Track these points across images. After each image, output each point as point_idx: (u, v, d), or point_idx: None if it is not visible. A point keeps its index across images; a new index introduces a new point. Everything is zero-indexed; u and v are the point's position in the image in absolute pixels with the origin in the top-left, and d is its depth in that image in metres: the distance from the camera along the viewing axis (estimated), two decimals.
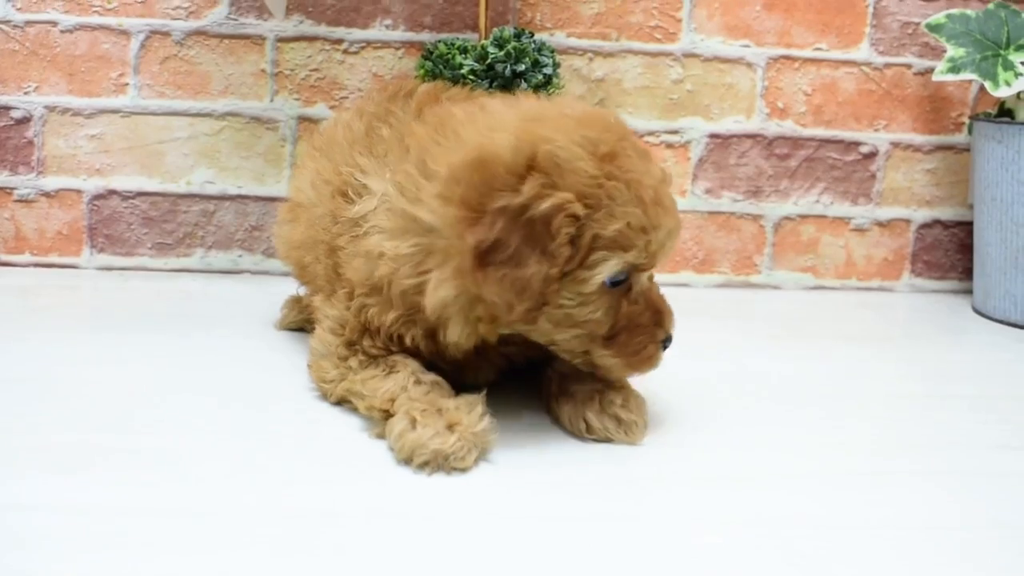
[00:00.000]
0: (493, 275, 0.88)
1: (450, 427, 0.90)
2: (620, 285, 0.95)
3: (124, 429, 0.97)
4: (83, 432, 0.96)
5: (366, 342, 1.03)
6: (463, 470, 0.90)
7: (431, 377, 0.99)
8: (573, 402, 1.01)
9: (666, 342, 1.00)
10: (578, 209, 0.89)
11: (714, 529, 0.83)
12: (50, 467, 0.88)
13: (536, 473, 0.91)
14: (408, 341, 1.01)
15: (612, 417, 1.00)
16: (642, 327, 0.98)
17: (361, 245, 1.01)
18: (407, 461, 0.90)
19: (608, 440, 0.99)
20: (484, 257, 0.88)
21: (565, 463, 0.95)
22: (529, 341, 1.00)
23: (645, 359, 0.99)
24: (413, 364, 1.01)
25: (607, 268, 0.92)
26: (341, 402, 1.04)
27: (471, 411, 0.93)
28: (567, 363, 1.02)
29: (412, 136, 1.00)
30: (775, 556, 0.78)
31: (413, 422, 0.91)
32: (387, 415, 0.95)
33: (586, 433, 1.00)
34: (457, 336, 0.97)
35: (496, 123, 0.94)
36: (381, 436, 0.96)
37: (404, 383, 0.97)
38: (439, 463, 0.89)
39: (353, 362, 1.03)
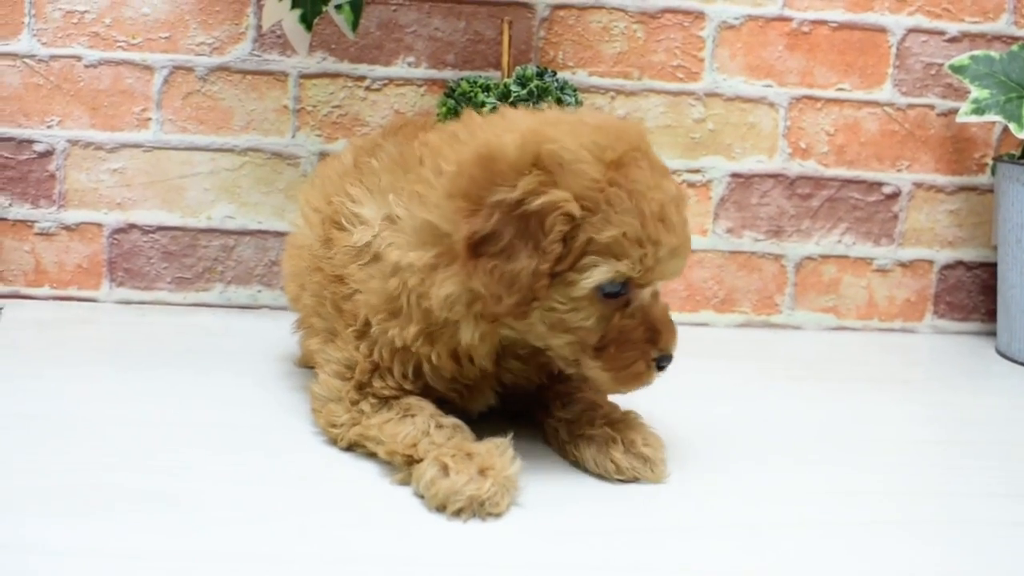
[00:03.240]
0: (483, 266, 0.89)
1: (482, 472, 0.89)
2: (616, 297, 0.94)
3: (140, 469, 0.96)
4: (98, 472, 0.95)
5: (377, 383, 1.01)
6: (497, 515, 0.88)
7: (451, 420, 0.98)
8: (595, 445, 1.01)
9: (661, 361, 0.98)
10: (574, 209, 0.90)
11: None
12: (64, 509, 0.86)
13: (567, 517, 0.90)
14: (432, 361, 1.00)
15: (638, 456, 1.00)
16: (633, 343, 0.96)
17: (375, 268, 1.00)
18: (440, 508, 0.88)
19: (635, 479, 0.99)
20: (477, 248, 0.89)
21: (592, 503, 0.94)
22: (530, 360, 1.03)
23: (633, 375, 0.97)
24: (430, 407, 1.00)
25: (597, 274, 0.91)
26: (352, 447, 1.03)
27: (502, 455, 0.92)
28: (570, 409, 1.03)
29: (426, 146, 1.01)
30: None
31: (445, 468, 0.89)
32: (410, 460, 0.94)
33: (615, 474, 0.99)
34: (470, 337, 0.96)
35: (511, 126, 0.96)
36: (404, 482, 0.94)
37: (425, 427, 0.96)
38: (474, 509, 0.88)
39: (365, 406, 1.02)
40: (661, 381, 1.25)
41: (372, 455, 1.00)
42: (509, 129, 0.95)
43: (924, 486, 1.05)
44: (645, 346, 0.96)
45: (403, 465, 0.95)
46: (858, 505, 0.98)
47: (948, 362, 1.60)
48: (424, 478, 0.90)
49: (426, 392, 1.03)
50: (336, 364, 1.05)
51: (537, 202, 0.89)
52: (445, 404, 1.04)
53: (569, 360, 0.98)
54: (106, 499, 0.89)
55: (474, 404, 1.07)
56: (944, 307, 1.76)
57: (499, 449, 0.93)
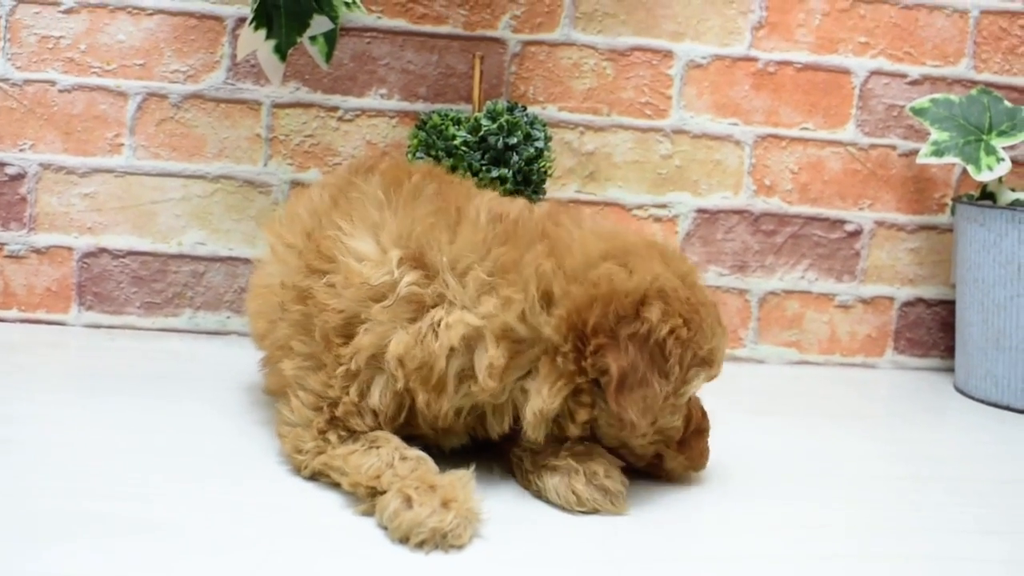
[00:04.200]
0: (631, 398, 0.97)
1: (445, 504, 0.90)
2: None
3: (107, 495, 0.97)
4: (65, 498, 0.95)
5: (354, 420, 1.03)
6: (460, 547, 0.90)
7: (415, 453, 1.00)
8: (558, 475, 1.03)
9: None
10: (685, 332, 1.00)
11: None
12: (28, 535, 0.87)
13: (528, 549, 0.92)
14: (437, 419, 1.03)
15: (599, 488, 1.01)
16: (702, 430, 1.11)
17: (412, 327, 1.01)
18: (403, 540, 0.90)
19: (595, 511, 1.01)
20: (623, 381, 0.97)
21: (553, 534, 0.96)
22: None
23: (705, 455, 1.12)
24: (395, 439, 1.02)
25: (698, 382, 1.04)
26: (315, 476, 1.04)
27: (464, 487, 0.94)
28: (534, 439, 1.04)
29: (534, 262, 1.02)
30: None
31: (408, 500, 0.91)
32: (373, 492, 0.95)
33: (576, 506, 1.01)
34: (535, 434, 1.02)
35: (595, 251, 1.04)
36: (367, 513, 0.95)
37: (389, 459, 0.98)
38: (437, 541, 0.89)
39: (332, 436, 1.03)
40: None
41: (336, 485, 1.01)
42: (593, 253, 1.03)
43: (884, 521, 1.08)
44: (704, 426, 1.11)
45: (366, 497, 0.96)
46: (818, 539, 1.01)
47: (907, 398, 1.63)
48: (388, 510, 0.91)
49: (400, 430, 1.05)
50: (312, 395, 1.05)
51: (663, 331, 0.98)
52: (414, 440, 1.05)
53: (647, 456, 1.08)
54: (69, 525, 0.89)
55: (448, 442, 1.09)
56: (904, 343, 1.79)
57: (462, 481, 0.95)
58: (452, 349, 1.00)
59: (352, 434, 1.03)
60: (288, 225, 1.17)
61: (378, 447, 1.00)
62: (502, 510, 0.99)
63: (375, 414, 1.03)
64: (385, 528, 0.92)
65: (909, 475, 1.24)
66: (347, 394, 1.02)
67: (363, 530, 0.93)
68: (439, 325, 1.01)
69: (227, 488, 1.02)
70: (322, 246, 1.07)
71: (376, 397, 1.02)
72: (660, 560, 0.92)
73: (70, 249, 1.63)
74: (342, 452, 1.01)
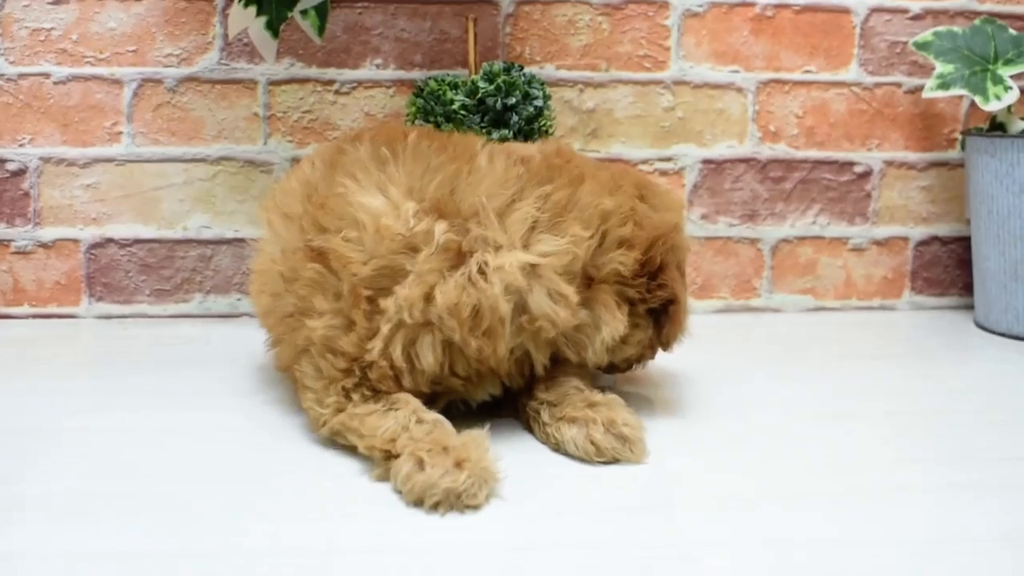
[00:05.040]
0: (686, 320, 1.15)
1: (458, 464, 0.90)
2: None
3: (125, 475, 0.97)
4: (84, 479, 0.95)
5: (387, 384, 1.02)
6: (476, 508, 0.89)
7: (432, 416, 0.99)
8: (576, 426, 1.02)
9: None
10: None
11: (726, 552, 0.82)
12: (52, 515, 0.87)
13: (548, 506, 0.91)
14: (489, 362, 1.04)
15: (619, 437, 1.01)
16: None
17: (456, 274, 1.00)
18: (418, 503, 0.89)
19: (615, 460, 1.01)
20: (685, 307, 1.14)
21: (573, 490, 0.95)
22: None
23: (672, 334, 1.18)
24: (414, 402, 1.01)
25: None
26: (333, 435, 1.03)
27: (478, 447, 0.93)
28: (553, 391, 1.07)
29: (592, 201, 1.07)
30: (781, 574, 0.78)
31: (420, 463, 0.90)
32: (388, 455, 0.94)
33: (595, 456, 1.00)
34: (598, 359, 1.10)
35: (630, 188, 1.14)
36: (383, 478, 0.94)
37: (405, 422, 0.97)
38: (451, 502, 0.88)
39: (356, 395, 1.02)
40: (645, 373, 1.27)
41: (352, 449, 1.00)
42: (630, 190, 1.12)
43: (912, 455, 1.06)
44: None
45: (382, 461, 0.95)
46: (845, 475, 0.99)
47: (928, 337, 1.61)
48: (401, 473, 0.91)
49: (434, 386, 1.05)
50: (343, 357, 1.02)
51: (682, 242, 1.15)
52: (439, 397, 1.06)
53: (634, 357, 1.17)
54: (91, 504, 0.89)
55: (478, 393, 1.09)
56: (921, 283, 1.77)
57: (475, 441, 0.94)
58: (508, 289, 1.00)
59: (376, 394, 1.02)
60: (283, 199, 1.15)
61: (396, 409, 0.99)
62: (519, 468, 0.98)
63: (422, 374, 1.02)
64: (399, 492, 0.91)
65: (936, 409, 1.22)
66: (387, 358, 1.01)
67: (379, 495, 0.92)
68: (487, 268, 1.00)
69: (240, 458, 1.01)
70: (329, 204, 1.05)
71: (427, 356, 1.01)
72: (683, 507, 0.91)
73: (76, 241, 1.62)
74: (361, 412, 1.00)
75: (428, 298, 1.00)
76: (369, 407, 1.00)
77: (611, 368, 1.19)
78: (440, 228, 1.01)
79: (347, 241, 1.02)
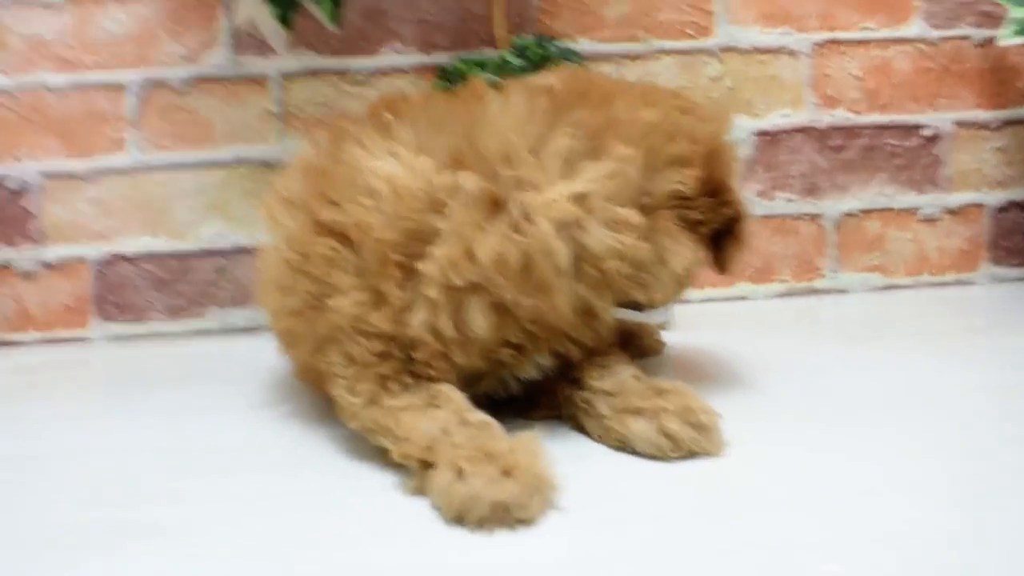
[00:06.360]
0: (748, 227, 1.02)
1: (506, 473, 0.75)
2: None
3: (147, 501, 0.84)
4: (104, 509, 0.83)
5: (439, 364, 0.89)
6: (528, 522, 0.75)
7: (479, 417, 0.85)
8: (645, 418, 0.89)
9: None
10: None
11: (832, 554, 0.68)
12: (70, 547, 0.75)
13: (617, 514, 0.77)
14: (546, 318, 0.89)
15: (696, 426, 0.87)
16: None
17: (497, 222, 0.87)
18: (459, 519, 0.74)
19: (692, 454, 0.87)
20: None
21: (644, 493, 0.80)
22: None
23: None
24: (458, 397, 0.87)
25: None
26: (364, 432, 0.89)
27: (528, 451, 0.79)
28: (610, 379, 0.94)
29: (631, 118, 0.94)
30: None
31: (460, 472, 0.76)
32: (425, 465, 0.80)
33: (671, 452, 0.87)
34: (666, 297, 0.97)
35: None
36: (419, 491, 0.80)
37: (446, 424, 0.83)
38: (499, 517, 0.74)
39: (394, 385, 0.89)
40: (704, 361, 1.13)
41: (384, 454, 0.86)
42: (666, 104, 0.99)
43: (1011, 435, 0.91)
44: None
45: (419, 471, 0.81)
46: (954, 460, 0.85)
47: (1010, 310, 1.46)
48: (438, 485, 0.76)
49: (483, 357, 0.91)
50: (378, 338, 0.89)
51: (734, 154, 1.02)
52: (483, 378, 0.94)
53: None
54: (102, 534, 0.77)
55: (528, 366, 0.95)
56: (1001, 253, 1.62)
57: (525, 444, 0.79)
58: (560, 227, 0.86)
59: (417, 381, 0.89)
60: (282, 186, 1.02)
61: (438, 406, 0.86)
62: (576, 472, 0.83)
63: (473, 344, 0.89)
64: (438, 508, 0.77)
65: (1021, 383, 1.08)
66: (433, 331, 0.88)
67: (417, 511, 0.79)
68: (530, 210, 0.87)
69: (266, 481, 0.88)
70: (336, 174, 0.93)
71: (478, 320, 0.88)
72: (774, 504, 0.77)
73: (83, 260, 1.51)
74: (397, 405, 0.87)
75: (470, 255, 0.87)
76: (407, 399, 0.87)
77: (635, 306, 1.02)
78: (467, 177, 0.88)
79: (365, 207, 0.89)
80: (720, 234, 1.01)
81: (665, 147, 0.94)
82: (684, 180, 0.94)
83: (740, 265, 1.05)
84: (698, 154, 0.95)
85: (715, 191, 0.97)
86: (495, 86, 0.98)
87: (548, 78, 0.99)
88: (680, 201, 0.95)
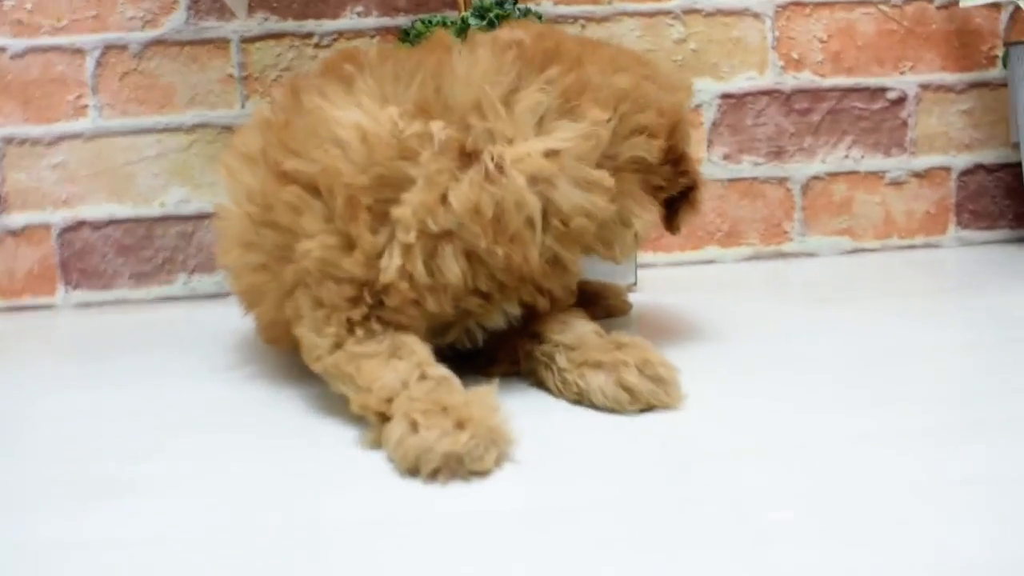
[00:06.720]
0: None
1: (460, 425, 0.75)
2: None
3: (112, 459, 0.83)
4: (70, 468, 0.82)
5: (410, 310, 0.88)
6: (483, 473, 0.75)
7: (439, 372, 0.84)
8: (604, 371, 0.88)
9: None
10: None
11: (781, 503, 0.68)
12: (36, 505, 0.74)
13: (574, 466, 0.77)
14: (513, 264, 0.89)
15: (655, 378, 0.87)
16: None
17: (468, 173, 0.87)
18: (413, 470, 0.74)
19: (650, 407, 0.87)
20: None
21: (602, 446, 0.80)
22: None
23: None
24: (421, 351, 0.87)
25: None
26: (326, 375, 0.89)
27: (483, 404, 0.78)
28: (570, 333, 0.94)
29: (604, 81, 0.94)
30: (855, 524, 0.64)
31: (414, 425, 0.76)
32: (383, 417, 0.80)
33: (628, 405, 0.87)
34: (624, 256, 0.99)
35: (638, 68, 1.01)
36: (377, 444, 0.80)
37: (406, 376, 0.82)
38: (453, 468, 0.74)
39: (361, 330, 0.88)
40: (671, 322, 1.13)
41: (344, 406, 0.86)
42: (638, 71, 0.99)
43: (976, 387, 0.92)
44: None
45: (377, 424, 0.81)
46: (909, 414, 0.85)
47: (979, 272, 1.46)
48: (392, 437, 0.76)
49: (453, 304, 0.91)
50: (349, 283, 0.88)
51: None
52: (451, 328, 0.94)
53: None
54: (69, 491, 0.76)
55: (495, 315, 0.95)
56: (968, 216, 1.62)
57: (480, 397, 0.79)
58: (533, 180, 0.87)
59: (384, 327, 0.89)
60: (240, 142, 1.01)
61: (399, 358, 0.85)
62: (534, 424, 0.83)
63: (446, 290, 0.89)
64: (392, 460, 0.77)
65: (996, 339, 1.08)
66: (407, 276, 0.87)
67: (375, 464, 0.78)
68: (504, 162, 0.87)
69: (225, 439, 0.87)
70: (298, 124, 0.92)
71: (452, 268, 0.88)
72: (731, 455, 0.77)
73: (47, 226, 1.49)
74: (361, 352, 0.86)
75: (445, 202, 0.87)
76: (372, 346, 0.86)
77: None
78: (437, 126, 0.88)
79: (331, 153, 0.88)
80: (675, 198, 1.03)
81: (635, 115, 0.95)
82: (648, 148, 0.96)
83: (690, 226, 1.08)
84: (663, 126, 0.97)
85: (676, 161, 1.00)
86: (460, 38, 0.98)
87: (515, 32, 0.98)
88: (644, 167, 0.97)
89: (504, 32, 0.99)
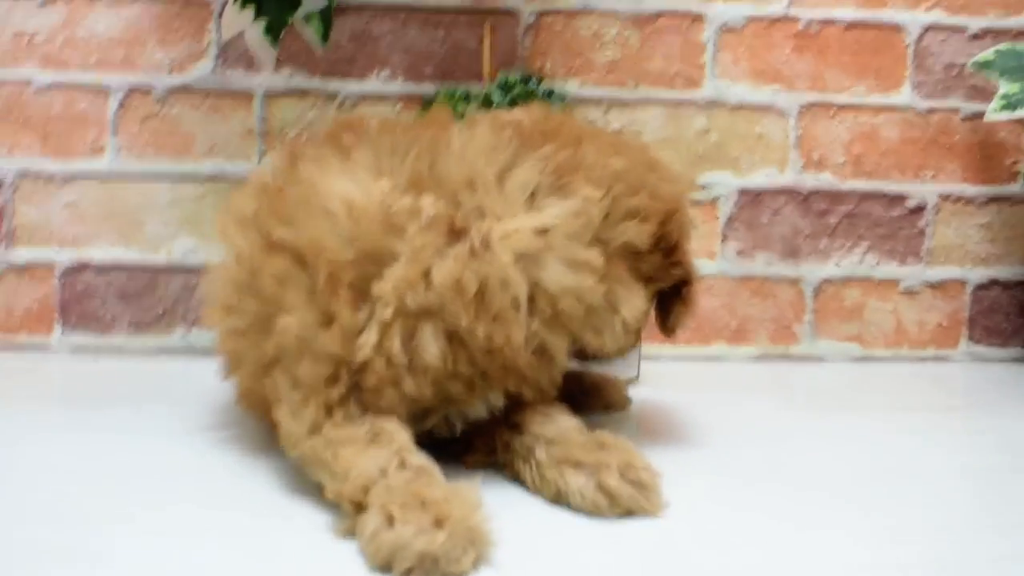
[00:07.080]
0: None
1: (438, 523, 0.73)
2: None
3: (75, 526, 0.81)
4: (42, 527, 0.80)
5: (389, 392, 0.86)
6: (459, 575, 0.72)
7: (419, 461, 0.82)
8: (583, 473, 0.86)
9: None
10: None
11: None
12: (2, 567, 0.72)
13: (549, 571, 0.74)
14: (503, 353, 0.88)
15: (636, 483, 0.85)
16: None
17: (453, 250, 0.86)
18: (384, 567, 0.71)
19: (629, 512, 0.84)
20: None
21: (583, 552, 0.77)
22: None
23: None
24: (402, 437, 0.84)
25: None
26: (302, 463, 0.86)
27: (464, 502, 0.76)
28: (551, 426, 0.92)
29: (598, 162, 0.94)
30: None
31: (390, 518, 0.73)
32: (359, 507, 0.77)
33: (607, 510, 0.84)
34: (615, 346, 0.97)
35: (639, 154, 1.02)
36: (350, 534, 0.78)
37: (385, 465, 0.80)
38: (427, 568, 0.71)
39: (339, 413, 0.86)
40: (670, 420, 1.10)
41: (320, 490, 0.83)
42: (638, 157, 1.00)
43: (980, 519, 0.89)
44: None
45: (351, 512, 0.79)
46: (908, 545, 0.82)
47: (988, 389, 1.44)
48: (367, 530, 0.74)
49: (433, 389, 0.88)
50: (325, 361, 0.86)
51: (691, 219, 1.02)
52: (433, 413, 0.91)
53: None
54: (32, 555, 0.74)
55: (477, 404, 0.93)
56: (980, 332, 1.60)
57: (461, 495, 0.77)
58: (519, 258, 0.86)
59: (364, 412, 0.86)
60: (236, 205, 1.00)
61: (378, 445, 0.83)
62: (512, 524, 0.81)
63: (425, 372, 0.86)
64: (365, 555, 0.74)
65: (1003, 466, 1.05)
66: (384, 354, 0.85)
67: (343, 556, 0.76)
68: (491, 238, 0.86)
69: (195, 513, 0.85)
70: (291, 193, 0.91)
71: (431, 347, 0.86)
72: (708, 571, 0.74)
73: (51, 265, 1.48)
74: (338, 437, 0.83)
75: (427, 278, 0.85)
76: (350, 431, 0.84)
77: (581, 356, 1.02)
78: (428, 201, 0.87)
79: (319, 224, 0.87)
80: (669, 295, 1.02)
81: (627, 198, 0.94)
82: (639, 233, 0.95)
83: (685, 328, 1.06)
84: (656, 211, 0.96)
85: (668, 250, 0.98)
86: (462, 117, 0.98)
87: (516, 113, 0.99)
88: (634, 253, 0.95)
89: (505, 113, 1.00)
